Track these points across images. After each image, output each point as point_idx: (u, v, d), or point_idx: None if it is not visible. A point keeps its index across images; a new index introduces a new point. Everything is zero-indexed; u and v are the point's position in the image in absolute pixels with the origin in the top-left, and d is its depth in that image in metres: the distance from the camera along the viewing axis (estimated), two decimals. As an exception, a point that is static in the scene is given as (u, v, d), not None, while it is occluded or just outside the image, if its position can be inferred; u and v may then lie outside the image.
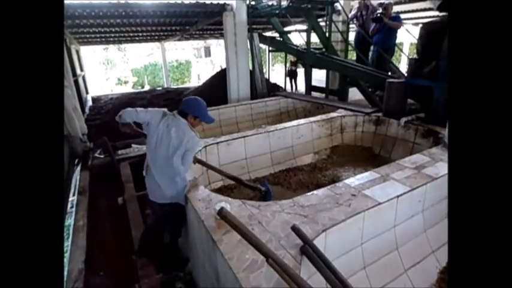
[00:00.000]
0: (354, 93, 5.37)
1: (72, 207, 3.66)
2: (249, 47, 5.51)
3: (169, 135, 1.93)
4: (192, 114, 1.97)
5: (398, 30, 4.87)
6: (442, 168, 2.31)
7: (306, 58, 5.08)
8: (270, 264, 1.13)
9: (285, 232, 1.59)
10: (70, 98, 4.30)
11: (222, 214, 1.16)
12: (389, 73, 4.52)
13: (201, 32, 9.81)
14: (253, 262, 1.38)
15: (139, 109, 2.00)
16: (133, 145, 5.02)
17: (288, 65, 8.16)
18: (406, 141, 3.52)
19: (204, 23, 7.02)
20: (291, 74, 9.37)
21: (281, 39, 5.96)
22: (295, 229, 1.48)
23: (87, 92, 10.57)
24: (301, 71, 9.18)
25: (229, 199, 1.99)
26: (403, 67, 10.27)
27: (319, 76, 5.73)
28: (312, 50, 5.04)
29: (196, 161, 2.40)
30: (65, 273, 2.37)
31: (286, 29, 6.37)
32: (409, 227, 2.07)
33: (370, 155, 3.81)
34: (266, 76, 6.95)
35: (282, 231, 1.61)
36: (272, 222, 1.69)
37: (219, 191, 2.98)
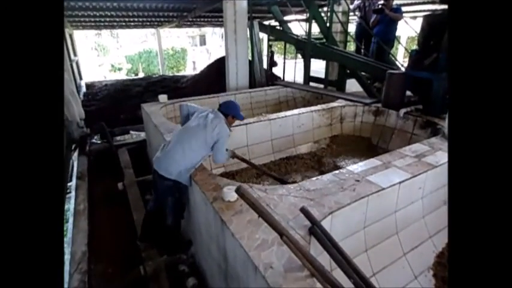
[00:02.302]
0: (351, 85, 5.40)
1: (69, 192, 3.64)
2: (248, 35, 5.45)
3: (211, 122, 2.20)
4: (231, 114, 2.32)
5: (399, 22, 4.90)
6: (441, 156, 2.37)
7: (306, 48, 5.06)
8: (284, 242, 1.17)
9: (293, 214, 1.62)
10: (67, 82, 4.22)
11: (240, 192, 1.19)
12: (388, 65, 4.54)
13: (198, 19, 9.65)
14: (263, 241, 1.42)
15: (190, 104, 2.47)
16: (131, 131, 4.99)
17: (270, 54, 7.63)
18: (404, 132, 3.58)
19: (203, 10, 6.91)
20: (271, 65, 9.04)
21: (281, 28, 5.92)
22: (303, 210, 1.51)
23: (80, 78, 10.35)
24: (299, 62, 9.07)
25: (236, 183, 2.01)
26: (400, 59, 10.35)
27: (314, 67, 5.71)
28: (312, 40, 5.02)
29: (234, 156, 2.64)
30: (68, 256, 2.38)
31: (286, 18, 6.30)
32: (409, 213, 2.13)
33: (368, 145, 3.86)
34: (265, 65, 6.90)
35: (289, 213, 1.64)
36: (280, 204, 1.72)
37: (221, 176, 2.99)
